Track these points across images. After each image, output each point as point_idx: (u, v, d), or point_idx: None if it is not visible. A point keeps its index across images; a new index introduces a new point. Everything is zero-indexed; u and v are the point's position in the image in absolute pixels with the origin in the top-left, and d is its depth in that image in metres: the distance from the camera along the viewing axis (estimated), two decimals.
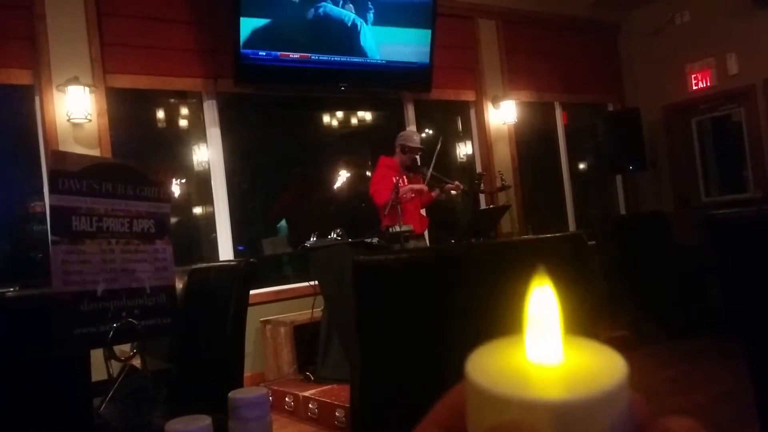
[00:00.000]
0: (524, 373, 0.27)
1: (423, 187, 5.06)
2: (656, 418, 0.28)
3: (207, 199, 5.41)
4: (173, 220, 1.42)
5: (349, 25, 5.54)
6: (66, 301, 1.17)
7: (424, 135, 6.51)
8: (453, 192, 5.34)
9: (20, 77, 4.49)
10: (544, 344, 0.28)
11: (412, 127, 6.32)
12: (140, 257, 1.26)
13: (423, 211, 5.45)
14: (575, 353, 0.28)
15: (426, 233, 5.49)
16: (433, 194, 5.27)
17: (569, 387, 0.26)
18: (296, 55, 5.34)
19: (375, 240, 4.45)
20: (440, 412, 0.29)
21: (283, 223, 6.31)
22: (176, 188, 5.50)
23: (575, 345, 0.28)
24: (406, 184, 5.08)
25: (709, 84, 7.30)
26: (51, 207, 1.19)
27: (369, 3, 5.61)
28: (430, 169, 5.08)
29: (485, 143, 6.72)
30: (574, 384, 0.26)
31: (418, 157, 5.18)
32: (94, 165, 1.22)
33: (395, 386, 1.25)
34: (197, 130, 5.49)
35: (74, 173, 1.16)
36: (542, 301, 0.29)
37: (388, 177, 4.96)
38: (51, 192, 1.17)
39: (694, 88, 7.43)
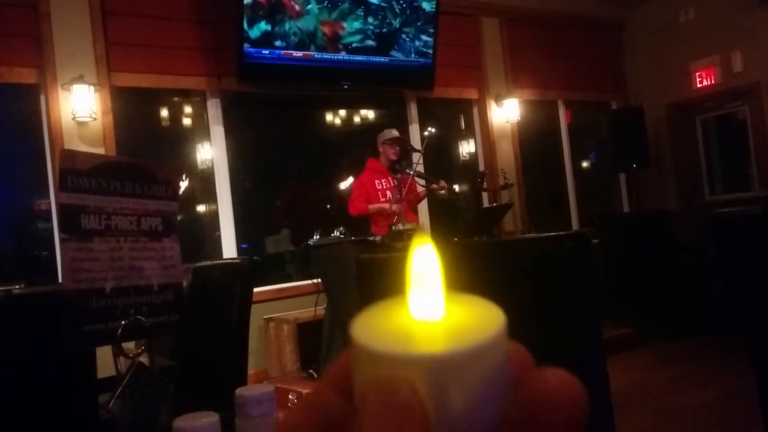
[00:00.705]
0: (406, 330, 0.28)
1: (387, 206, 4.96)
2: (535, 369, 0.28)
3: (211, 197, 5.42)
4: (177, 217, 1.43)
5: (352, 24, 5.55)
6: (75, 299, 1.18)
7: (426, 133, 6.52)
8: (441, 192, 5.28)
9: (25, 76, 4.51)
10: (427, 302, 0.28)
11: (413, 126, 6.35)
12: (148, 255, 1.27)
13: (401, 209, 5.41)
14: (456, 309, 0.28)
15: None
16: (420, 193, 5.27)
17: (446, 341, 0.26)
18: (299, 54, 5.34)
19: (378, 238, 4.46)
20: (333, 372, 0.30)
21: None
22: (182, 186, 5.52)
23: (457, 301, 0.29)
24: (391, 185, 5.03)
25: (713, 82, 7.29)
26: (60, 205, 1.20)
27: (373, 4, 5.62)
28: (414, 169, 5.00)
29: (488, 141, 6.72)
30: (451, 338, 0.27)
31: (410, 153, 5.17)
32: (104, 163, 1.23)
33: None
34: (201, 129, 5.50)
35: (83, 171, 1.17)
36: (424, 260, 0.29)
37: (367, 184, 4.95)
38: (60, 190, 1.18)
39: (699, 86, 7.41)
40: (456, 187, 7.00)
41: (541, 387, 0.27)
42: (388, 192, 5.02)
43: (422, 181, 5.19)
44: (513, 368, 0.28)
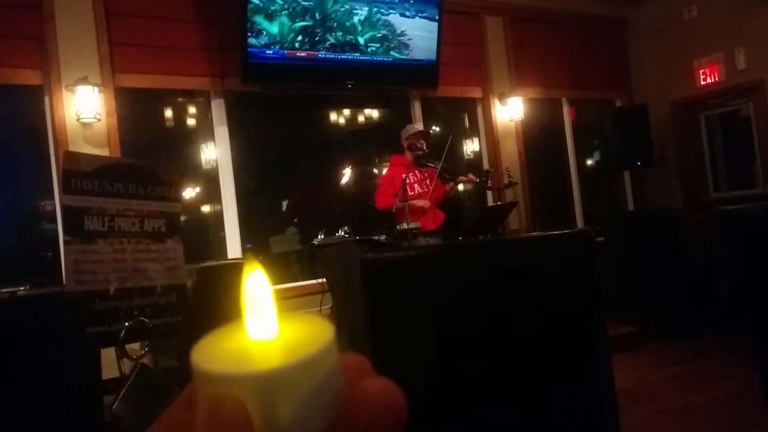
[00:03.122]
0: (240, 350, 0.29)
1: (425, 203, 5.01)
2: (364, 376, 0.31)
3: (215, 197, 5.43)
4: (182, 218, 1.43)
5: (356, 24, 5.55)
6: (78, 300, 1.18)
7: (432, 132, 6.52)
8: (466, 185, 5.36)
9: (30, 77, 4.52)
10: (261, 322, 0.30)
11: (418, 125, 6.34)
12: (151, 256, 1.27)
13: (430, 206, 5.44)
14: (289, 327, 0.31)
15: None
16: (447, 188, 5.28)
17: (275, 358, 0.28)
18: (303, 54, 5.34)
19: (382, 237, 4.46)
20: (187, 393, 0.31)
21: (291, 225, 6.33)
22: (185, 187, 5.52)
23: (290, 320, 0.31)
24: (418, 178, 5.10)
25: (717, 79, 7.26)
26: (63, 207, 1.20)
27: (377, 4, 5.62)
28: (441, 162, 5.07)
29: (492, 140, 6.71)
30: (280, 355, 0.28)
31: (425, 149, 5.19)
32: (106, 165, 1.22)
33: (403, 382, 1.25)
34: (205, 129, 5.51)
35: (87, 173, 1.17)
36: (256, 284, 0.31)
37: (395, 178, 4.97)
38: (64, 192, 1.18)
39: (703, 83, 7.39)
40: (459, 188, 6.99)
41: (363, 395, 0.29)
42: (416, 185, 5.07)
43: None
44: (348, 378, 0.30)
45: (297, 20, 5.28)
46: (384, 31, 5.72)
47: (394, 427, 0.29)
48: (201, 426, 0.28)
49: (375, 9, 5.63)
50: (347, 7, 5.49)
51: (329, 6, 5.38)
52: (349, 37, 5.55)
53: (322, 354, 0.28)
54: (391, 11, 5.72)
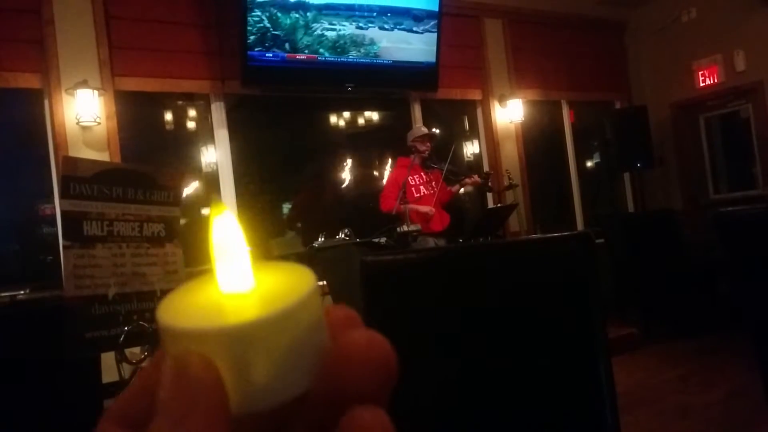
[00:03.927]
0: (211, 304, 0.27)
1: (429, 209, 5.02)
2: (351, 329, 0.28)
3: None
4: (181, 222, 1.43)
5: (356, 27, 5.55)
6: (78, 305, 1.18)
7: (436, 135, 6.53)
8: (471, 186, 5.38)
9: (29, 81, 4.52)
10: (235, 273, 0.27)
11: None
12: (151, 261, 1.27)
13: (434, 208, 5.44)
14: (266, 278, 0.28)
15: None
16: (452, 190, 5.29)
17: (250, 311, 0.26)
18: (303, 56, 5.35)
19: (383, 240, 4.46)
20: (118, 405, 0.29)
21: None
22: (185, 191, 5.52)
23: (267, 270, 0.28)
24: (423, 180, 5.11)
25: (716, 81, 7.27)
26: (62, 212, 1.20)
27: (375, 8, 5.61)
28: (447, 164, 5.09)
29: (492, 142, 6.71)
30: (261, 306, 0.26)
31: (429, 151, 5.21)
32: (105, 170, 1.23)
33: (402, 385, 1.25)
34: (205, 132, 5.51)
35: (85, 179, 1.17)
36: (226, 230, 0.28)
37: (400, 180, 4.98)
38: (62, 197, 1.18)
39: (702, 85, 7.39)
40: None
41: (349, 348, 0.27)
42: (422, 187, 5.08)
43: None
44: (334, 330, 0.27)
45: (297, 23, 5.28)
46: (384, 33, 5.71)
47: (383, 382, 0.27)
48: (165, 387, 0.25)
49: (375, 12, 5.63)
50: (347, 10, 5.48)
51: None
52: (349, 40, 5.55)
53: (302, 304, 0.26)
54: (391, 13, 5.71)
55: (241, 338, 0.25)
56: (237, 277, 0.27)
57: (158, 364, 0.27)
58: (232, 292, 0.27)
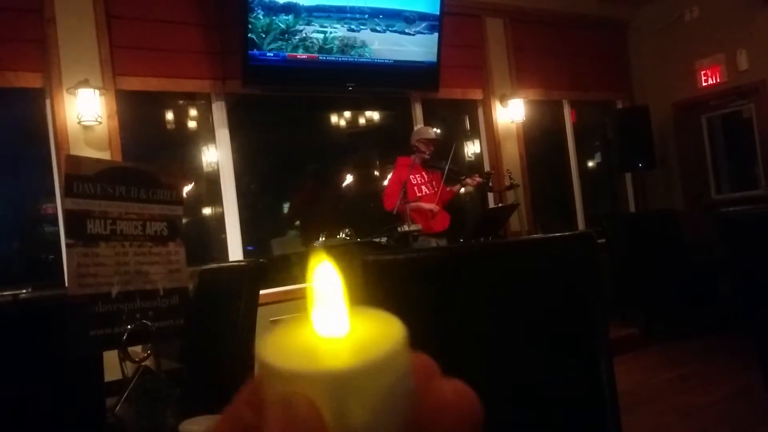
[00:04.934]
0: (310, 347, 0.28)
1: (434, 206, 5.04)
2: (435, 378, 0.30)
3: (216, 199, 5.43)
4: (183, 221, 1.43)
5: (356, 29, 5.55)
6: (81, 304, 1.18)
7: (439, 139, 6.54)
8: (472, 186, 5.38)
9: (31, 80, 4.52)
10: (331, 318, 0.29)
11: (420, 126, 6.34)
12: (153, 259, 1.28)
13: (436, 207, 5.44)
14: (359, 324, 0.29)
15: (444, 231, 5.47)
16: (453, 190, 5.29)
17: (348, 357, 0.27)
18: (304, 56, 5.35)
19: (383, 240, 4.46)
20: (248, 389, 0.30)
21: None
22: (187, 189, 5.52)
23: (360, 316, 0.30)
24: (425, 180, 5.12)
25: (718, 80, 7.26)
26: (66, 210, 1.20)
27: (367, 10, 5.61)
28: (448, 164, 5.10)
29: (493, 142, 6.71)
30: (352, 354, 0.27)
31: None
32: (108, 169, 1.23)
33: None
34: (206, 132, 5.51)
35: (89, 177, 1.18)
36: (325, 277, 0.30)
37: (402, 179, 4.98)
38: (66, 196, 1.18)
39: (704, 84, 7.39)
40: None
41: (439, 398, 0.28)
42: (423, 186, 5.08)
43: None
44: (418, 379, 0.29)
45: (298, 22, 5.28)
46: (385, 33, 5.71)
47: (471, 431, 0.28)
48: (273, 425, 0.27)
49: (375, 11, 5.63)
50: (348, 10, 5.48)
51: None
52: (350, 40, 5.55)
53: (396, 354, 0.27)
54: (392, 13, 5.71)
55: (341, 383, 0.26)
56: (333, 322, 0.29)
57: (250, 401, 0.29)
58: (328, 336, 0.29)
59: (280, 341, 0.29)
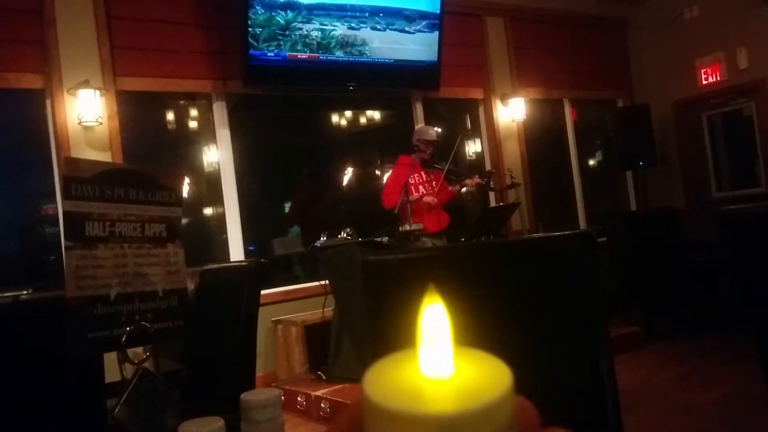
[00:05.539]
0: (416, 387, 0.28)
1: (432, 199, 5.04)
2: (537, 429, 0.29)
3: (217, 199, 5.43)
4: (184, 221, 1.43)
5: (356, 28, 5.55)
6: (80, 306, 1.18)
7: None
8: (472, 187, 5.38)
9: (31, 81, 4.52)
10: (436, 358, 0.29)
11: (421, 125, 6.34)
12: (152, 261, 1.28)
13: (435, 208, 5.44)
14: (465, 366, 0.29)
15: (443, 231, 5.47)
16: (453, 190, 5.29)
17: (455, 401, 0.27)
18: (304, 56, 5.35)
19: (385, 239, 4.46)
20: (343, 423, 0.30)
21: (295, 227, 6.33)
22: (186, 189, 5.53)
23: (466, 358, 0.30)
24: (423, 179, 5.11)
25: (719, 79, 7.26)
26: (64, 213, 1.20)
27: (377, 8, 5.61)
28: (448, 164, 5.10)
29: (494, 141, 6.71)
30: (459, 397, 0.27)
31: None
32: (107, 170, 1.23)
33: None
34: (207, 132, 5.51)
35: (87, 179, 1.18)
36: (434, 317, 0.30)
37: (401, 177, 4.98)
38: (64, 198, 1.18)
39: (704, 82, 7.38)
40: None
41: None
42: (421, 186, 5.08)
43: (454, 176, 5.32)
44: (520, 426, 0.28)
45: (298, 22, 5.28)
46: (385, 32, 5.71)
47: None
48: None
49: (376, 10, 5.63)
50: (349, 10, 5.48)
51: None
52: (350, 39, 5.55)
53: (502, 401, 0.27)
54: (392, 12, 5.71)
55: (446, 428, 0.26)
56: (439, 363, 0.29)
57: None
58: (433, 377, 0.29)
59: (385, 378, 0.29)
